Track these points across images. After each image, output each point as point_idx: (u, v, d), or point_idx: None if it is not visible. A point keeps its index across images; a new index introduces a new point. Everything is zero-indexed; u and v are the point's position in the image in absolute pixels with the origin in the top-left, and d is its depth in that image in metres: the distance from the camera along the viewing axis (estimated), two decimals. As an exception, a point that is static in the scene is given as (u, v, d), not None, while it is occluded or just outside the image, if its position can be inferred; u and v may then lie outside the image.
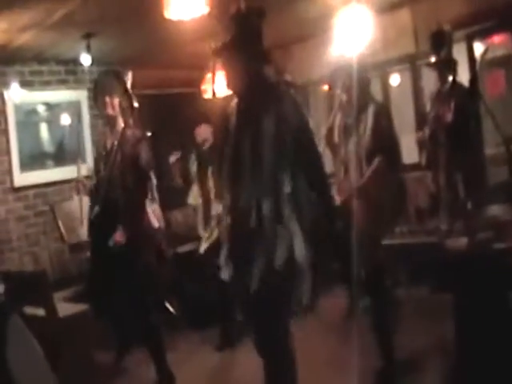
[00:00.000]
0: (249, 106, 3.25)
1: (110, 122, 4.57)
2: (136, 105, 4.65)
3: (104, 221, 4.46)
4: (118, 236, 4.37)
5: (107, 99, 4.48)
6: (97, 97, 4.59)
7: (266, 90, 3.26)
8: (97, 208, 4.52)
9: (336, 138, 4.37)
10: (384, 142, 4.16)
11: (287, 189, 3.09)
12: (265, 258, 3.06)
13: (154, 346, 4.54)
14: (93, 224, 4.60)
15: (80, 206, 4.89)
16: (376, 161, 4.10)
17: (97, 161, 4.73)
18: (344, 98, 4.30)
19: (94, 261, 4.66)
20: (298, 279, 3.10)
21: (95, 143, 5.10)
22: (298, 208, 3.11)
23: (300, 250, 3.07)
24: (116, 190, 4.44)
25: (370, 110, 4.21)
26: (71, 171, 4.95)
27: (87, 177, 4.85)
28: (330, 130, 4.44)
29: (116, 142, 4.50)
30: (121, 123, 4.55)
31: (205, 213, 5.56)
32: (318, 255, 3.15)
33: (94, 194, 4.62)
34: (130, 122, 4.60)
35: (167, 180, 5.77)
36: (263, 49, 3.30)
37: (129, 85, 4.63)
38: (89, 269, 4.79)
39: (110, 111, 4.50)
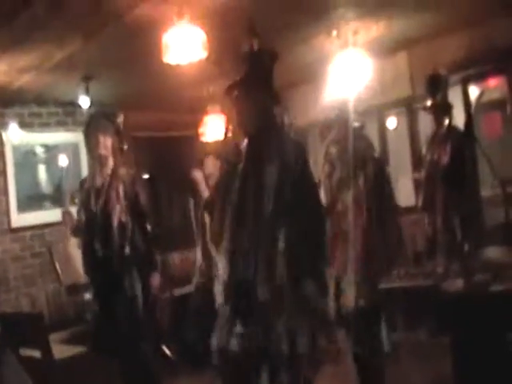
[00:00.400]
0: (257, 151, 3.21)
1: (102, 161, 4.54)
2: (126, 146, 4.66)
3: (98, 257, 4.44)
4: (154, 280, 4.46)
5: (101, 138, 4.47)
6: (89, 136, 4.58)
7: (274, 134, 3.24)
8: (96, 246, 4.48)
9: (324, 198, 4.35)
10: (382, 193, 4.17)
11: (281, 245, 3.03)
12: (269, 344, 3.00)
13: None
14: (91, 262, 4.55)
15: (67, 242, 4.87)
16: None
17: (85, 199, 4.63)
18: (334, 151, 4.30)
19: (93, 298, 4.63)
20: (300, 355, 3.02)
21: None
22: (290, 266, 3.03)
23: (299, 331, 3.01)
24: (110, 229, 4.41)
25: (370, 166, 4.20)
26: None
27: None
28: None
29: (108, 180, 4.50)
30: (111, 163, 4.55)
31: (203, 255, 5.52)
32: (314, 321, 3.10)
33: (85, 232, 4.58)
34: (120, 162, 4.61)
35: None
36: (274, 90, 3.29)
37: (121, 127, 4.65)
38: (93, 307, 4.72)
39: (102, 151, 4.49)
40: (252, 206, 3.10)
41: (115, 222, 4.41)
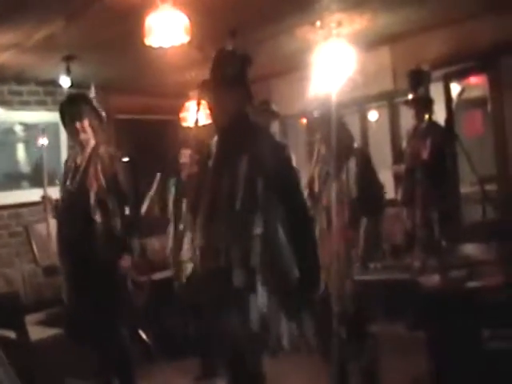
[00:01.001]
0: (228, 145, 3.29)
1: (82, 143, 4.50)
2: (104, 118, 4.61)
3: (74, 236, 4.38)
4: (125, 262, 4.39)
5: (77, 125, 4.43)
6: (65, 124, 4.54)
7: (246, 130, 3.31)
8: (66, 224, 4.44)
9: (316, 188, 4.38)
10: (368, 190, 4.18)
11: (257, 231, 3.06)
12: (237, 320, 3.05)
13: (123, 375, 4.49)
14: (63, 240, 4.49)
15: (47, 226, 4.83)
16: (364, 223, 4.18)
17: (64, 178, 4.58)
18: (323, 148, 4.31)
19: (66, 281, 4.52)
20: (271, 332, 3.07)
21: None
22: (267, 253, 3.07)
23: (270, 309, 3.06)
24: (88, 206, 4.33)
25: (353, 160, 4.21)
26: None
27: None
28: (312, 180, 4.46)
29: (86, 159, 4.45)
30: (92, 142, 4.51)
31: (175, 243, 5.51)
32: (290, 301, 3.13)
33: (60, 211, 4.54)
34: (101, 139, 4.58)
35: (146, 211, 5.71)
36: (247, 89, 3.36)
37: (95, 103, 4.60)
38: (63, 290, 4.62)
39: (83, 136, 4.45)
40: (223, 199, 3.16)
41: (92, 200, 4.34)
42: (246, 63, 3.32)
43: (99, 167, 4.40)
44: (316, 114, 4.40)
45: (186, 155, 5.61)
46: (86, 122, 4.45)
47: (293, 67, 6.79)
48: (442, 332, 3.71)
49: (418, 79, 5.51)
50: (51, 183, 4.84)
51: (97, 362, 4.61)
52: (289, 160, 3.41)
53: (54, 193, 4.68)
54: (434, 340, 3.80)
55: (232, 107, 3.29)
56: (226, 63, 3.29)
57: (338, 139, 4.03)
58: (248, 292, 3.05)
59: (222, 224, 3.14)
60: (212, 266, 3.16)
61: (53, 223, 4.78)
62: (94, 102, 4.58)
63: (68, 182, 4.46)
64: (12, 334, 4.52)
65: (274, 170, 3.13)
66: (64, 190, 4.50)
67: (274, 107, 6.07)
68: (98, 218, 4.34)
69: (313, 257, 3.23)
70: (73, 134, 4.50)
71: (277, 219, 3.11)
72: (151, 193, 5.83)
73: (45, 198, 4.63)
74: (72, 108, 4.50)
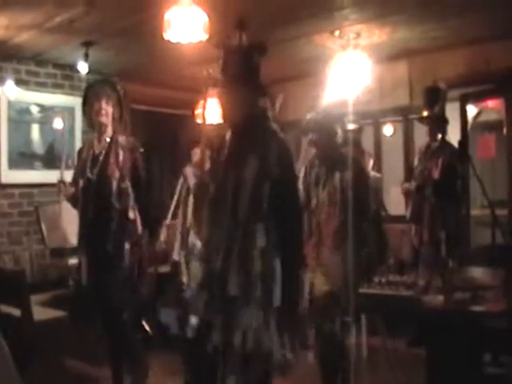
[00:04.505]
0: (239, 144, 3.22)
1: (101, 129, 4.49)
2: (127, 116, 4.61)
3: (96, 225, 4.40)
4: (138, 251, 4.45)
5: (103, 105, 4.42)
6: (89, 102, 4.52)
7: (257, 126, 3.24)
8: (89, 212, 4.43)
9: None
10: (359, 203, 4.12)
11: (260, 242, 3.04)
12: (237, 336, 3.00)
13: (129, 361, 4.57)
14: (85, 228, 4.49)
15: (59, 209, 4.85)
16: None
17: (82, 167, 4.56)
18: (312, 151, 4.24)
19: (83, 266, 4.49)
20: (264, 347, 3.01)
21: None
22: (264, 266, 3.03)
23: (269, 332, 3.01)
24: (110, 194, 4.35)
25: (346, 171, 4.13)
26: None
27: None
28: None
29: (106, 147, 4.44)
30: (110, 131, 4.51)
31: (182, 238, 5.52)
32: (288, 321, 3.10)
33: (81, 199, 4.52)
34: (120, 130, 4.58)
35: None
36: (260, 83, 3.28)
37: (122, 95, 4.61)
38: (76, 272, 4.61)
39: (103, 118, 4.44)
40: (231, 199, 3.11)
41: (114, 188, 4.36)
42: (259, 54, 3.23)
43: (121, 156, 4.42)
44: (310, 116, 4.32)
45: (198, 154, 5.63)
46: (109, 107, 4.47)
47: (308, 73, 6.79)
48: (442, 352, 3.69)
49: (434, 96, 5.51)
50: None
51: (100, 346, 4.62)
52: (291, 162, 3.28)
53: (67, 176, 4.66)
54: (433, 360, 3.78)
55: (244, 102, 3.20)
56: (238, 55, 3.19)
57: (331, 144, 3.99)
58: (242, 302, 3.01)
59: (225, 228, 3.10)
60: (211, 267, 3.13)
61: (65, 206, 4.79)
62: (121, 93, 4.60)
63: (88, 171, 4.46)
64: (16, 312, 4.55)
65: (279, 173, 3.07)
66: (84, 179, 4.48)
67: (274, 111, 6.04)
68: (117, 205, 4.36)
69: (296, 280, 3.17)
70: (94, 114, 4.48)
71: (275, 232, 3.07)
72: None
73: (61, 181, 4.59)
74: (99, 88, 4.52)
